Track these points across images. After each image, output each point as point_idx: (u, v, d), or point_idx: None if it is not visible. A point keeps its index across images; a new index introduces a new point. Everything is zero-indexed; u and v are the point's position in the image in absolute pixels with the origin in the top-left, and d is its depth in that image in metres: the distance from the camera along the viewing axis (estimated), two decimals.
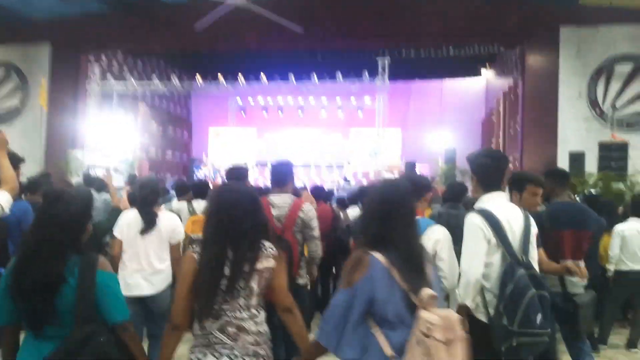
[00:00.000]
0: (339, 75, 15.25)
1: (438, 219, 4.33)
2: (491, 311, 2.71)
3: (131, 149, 16.52)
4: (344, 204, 7.67)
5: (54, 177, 7.47)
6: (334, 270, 7.10)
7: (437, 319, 1.92)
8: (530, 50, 12.78)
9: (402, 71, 16.92)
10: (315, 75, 15.57)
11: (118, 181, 9.99)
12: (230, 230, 2.22)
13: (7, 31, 14.38)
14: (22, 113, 14.80)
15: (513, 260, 2.66)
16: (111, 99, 16.13)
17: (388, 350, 1.98)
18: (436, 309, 1.99)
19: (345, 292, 2.05)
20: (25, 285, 2.00)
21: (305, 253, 4.06)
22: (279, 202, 3.88)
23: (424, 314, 1.95)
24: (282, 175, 4.02)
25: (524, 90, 12.73)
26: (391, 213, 2.11)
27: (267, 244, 2.32)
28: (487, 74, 18.73)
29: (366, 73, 15.08)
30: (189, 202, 5.52)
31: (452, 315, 2.02)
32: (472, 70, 18.04)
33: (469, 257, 2.73)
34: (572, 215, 3.64)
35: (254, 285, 2.24)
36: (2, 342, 2.17)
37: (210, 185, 6.42)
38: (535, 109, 12.35)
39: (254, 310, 2.26)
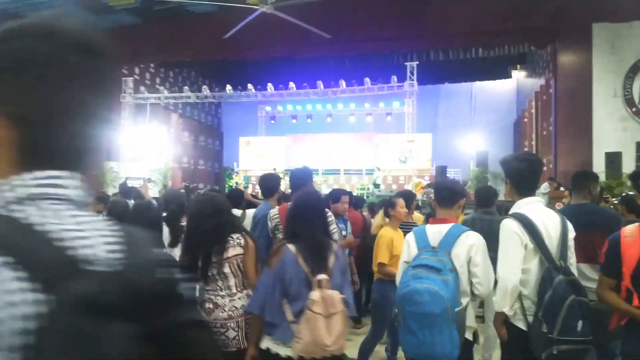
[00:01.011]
0: (368, 80, 15.24)
1: (471, 224, 4.27)
2: (530, 318, 2.65)
3: (164, 159, 16.84)
4: (374, 210, 7.63)
5: (90, 189, 7.66)
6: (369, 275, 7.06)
7: (317, 295, 2.52)
8: (562, 48, 12.53)
9: (431, 74, 16.83)
10: (343, 82, 15.59)
11: (153, 192, 10.18)
12: (198, 230, 2.85)
13: None
14: None
15: (551, 266, 2.60)
16: (144, 110, 16.50)
17: (290, 317, 2.59)
18: (327, 289, 2.55)
19: (268, 273, 2.67)
20: None
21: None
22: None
23: (312, 292, 2.54)
24: (299, 181, 4.05)
25: (557, 90, 12.48)
26: (300, 215, 2.76)
27: (236, 235, 2.89)
28: (518, 75, 18.45)
29: (395, 78, 15.02)
30: None
31: (336, 295, 2.56)
32: (502, 71, 17.81)
33: (506, 263, 2.68)
34: (580, 216, 3.48)
35: (227, 270, 2.85)
36: None
37: (244, 194, 6.49)
38: (569, 109, 12.08)
39: (233, 290, 2.87)
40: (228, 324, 2.80)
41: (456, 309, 2.64)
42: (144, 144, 15.99)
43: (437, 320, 2.58)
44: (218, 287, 2.84)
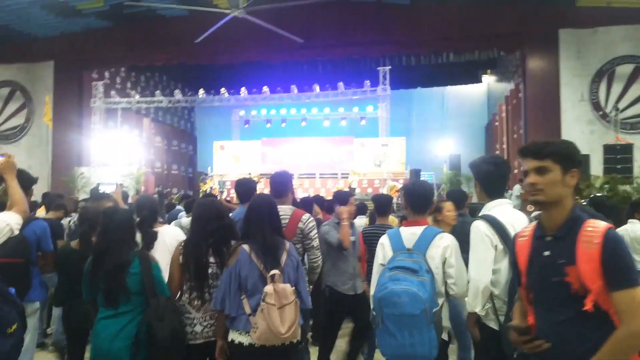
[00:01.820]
0: (341, 85, 15.31)
1: None
2: (501, 318, 2.70)
3: (137, 164, 16.60)
4: (356, 213, 7.65)
5: (62, 195, 7.52)
6: None
7: (270, 289, 2.81)
8: (530, 54, 12.82)
9: (404, 79, 17.00)
10: (317, 86, 15.63)
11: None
12: (201, 232, 3.15)
13: (11, 51, 14.58)
14: (28, 131, 14.97)
15: None
16: (115, 115, 16.25)
17: (248, 310, 2.86)
18: (279, 283, 2.84)
19: (227, 271, 2.94)
20: (105, 268, 2.89)
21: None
22: (279, 213, 3.89)
23: (266, 286, 2.84)
24: (281, 186, 4.01)
25: (526, 94, 12.75)
26: (251, 218, 3.07)
27: (234, 242, 3.13)
28: (488, 79, 18.78)
29: (368, 82, 15.13)
30: None
31: (288, 287, 2.86)
32: (473, 76, 18.09)
33: (477, 264, 2.73)
34: None
35: (218, 271, 3.10)
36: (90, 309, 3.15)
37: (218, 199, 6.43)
38: (538, 112, 12.36)
39: None
40: (216, 315, 3.06)
41: (434, 310, 2.68)
42: (116, 149, 15.74)
43: (416, 321, 2.61)
44: (211, 285, 3.11)
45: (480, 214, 2.89)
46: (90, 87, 15.44)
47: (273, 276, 2.84)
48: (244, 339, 2.85)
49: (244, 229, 3.10)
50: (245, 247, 2.96)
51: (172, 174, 20.36)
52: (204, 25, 11.74)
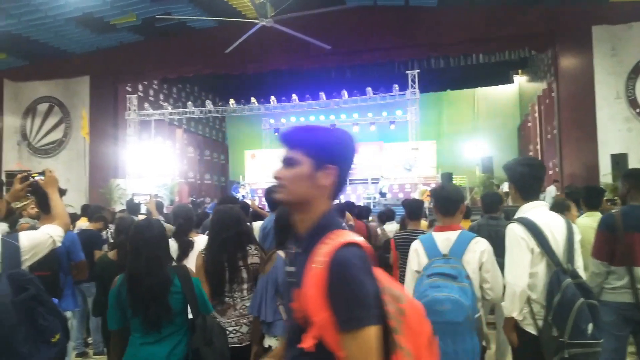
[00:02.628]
0: (369, 90, 15.30)
1: (478, 230, 4.27)
2: (539, 322, 2.64)
3: (171, 174, 16.92)
4: (382, 219, 7.63)
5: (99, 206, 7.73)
6: None
7: None
8: (562, 52, 12.56)
9: (433, 82, 16.87)
10: (345, 92, 15.66)
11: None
12: (219, 238, 3.15)
13: (50, 67, 15.10)
14: (66, 145, 15.43)
15: (558, 269, 2.60)
16: (149, 127, 16.61)
17: (285, 316, 2.85)
18: None
19: (263, 278, 2.98)
20: (142, 291, 2.59)
21: None
22: None
23: None
24: None
25: (559, 93, 12.48)
26: (282, 225, 3.10)
27: (253, 246, 3.24)
28: (520, 79, 18.48)
29: (396, 86, 15.07)
30: None
31: None
32: (504, 76, 17.83)
33: (513, 268, 2.68)
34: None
35: (245, 275, 3.17)
36: (113, 343, 2.72)
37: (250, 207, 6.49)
38: (572, 111, 12.08)
39: (245, 293, 3.18)
40: (241, 321, 3.12)
41: (476, 316, 2.64)
42: (150, 160, 16.07)
43: (459, 329, 2.57)
44: (232, 290, 3.14)
45: (515, 217, 2.85)
46: (124, 100, 15.84)
47: None
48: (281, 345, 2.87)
49: (277, 236, 3.16)
50: (281, 253, 3.01)
51: (205, 184, 20.67)
52: (233, 36, 11.91)
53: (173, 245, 4.22)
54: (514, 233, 2.72)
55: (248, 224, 5.68)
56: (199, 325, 2.69)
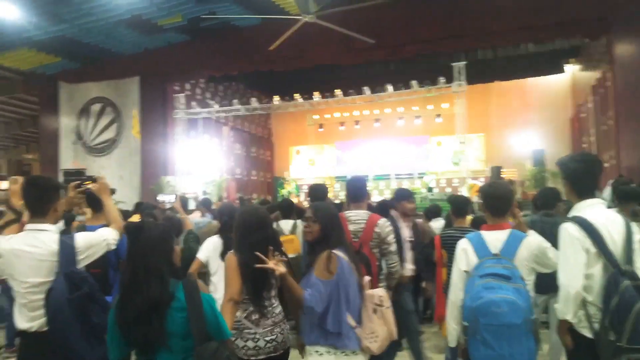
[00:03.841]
0: (414, 83, 15.07)
1: (531, 227, 4.14)
2: (596, 326, 2.54)
3: (218, 171, 17.24)
4: (428, 216, 7.51)
5: (150, 203, 7.96)
6: (423, 284, 6.96)
7: (384, 292, 2.84)
8: (618, 39, 11.95)
9: (480, 73, 16.44)
10: (390, 86, 15.49)
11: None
12: (245, 242, 2.93)
13: (101, 69, 15.64)
14: (119, 144, 15.96)
15: (616, 271, 2.49)
16: (197, 125, 16.97)
17: (352, 322, 2.70)
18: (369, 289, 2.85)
19: (330, 281, 2.69)
20: (132, 312, 2.13)
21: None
22: (355, 218, 3.88)
23: (373, 291, 2.83)
24: (357, 191, 4.03)
25: (615, 82, 11.91)
26: (335, 225, 2.95)
27: (278, 251, 2.98)
28: (572, 69, 17.76)
29: (442, 79, 14.78)
30: (277, 222, 5.63)
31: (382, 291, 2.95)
32: (555, 65, 17.17)
33: (567, 269, 2.58)
34: None
35: (273, 282, 3.01)
36: None
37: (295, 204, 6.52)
38: (630, 101, 11.49)
39: (273, 300, 3.04)
40: (276, 330, 3.00)
41: (532, 318, 2.58)
42: (198, 157, 16.43)
43: (516, 331, 2.51)
44: (263, 297, 3.00)
45: (569, 215, 2.74)
46: (172, 99, 16.22)
47: (369, 281, 2.87)
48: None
49: (324, 237, 2.90)
50: (341, 254, 2.80)
51: (252, 180, 20.96)
52: (276, 33, 11.99)
53: (218, 242, 4.32)
54: (568, 233, 2.62)
55: (292, 221, 5.75)
56: (197, 354, 2.13)
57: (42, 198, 2.77)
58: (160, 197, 5.04)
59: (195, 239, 5.16)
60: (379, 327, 2.67)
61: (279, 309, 3.09)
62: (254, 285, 2.90)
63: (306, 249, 4.41)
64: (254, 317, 2.95)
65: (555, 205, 4.69)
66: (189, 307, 2.17)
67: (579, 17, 12.19)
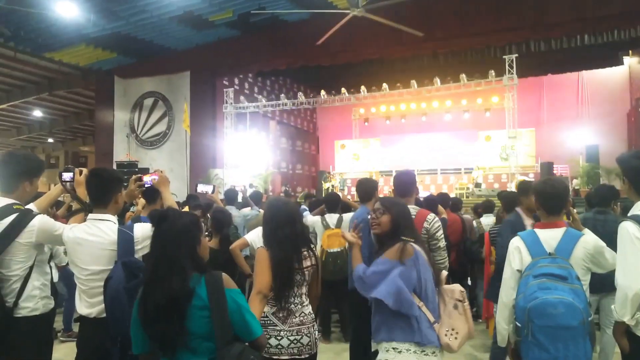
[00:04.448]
0: (463, 77, 14.79)
1: (584, 225, 4.02)
2: None
3: (265, 164, 17.48)
4: (477, 212, 7.39)
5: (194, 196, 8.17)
6: (469, 281, 6.88)
7: (461, 288, 2.61)
8: None
9: (532, 66, 15.97)
10: (437, 79, 15.26)
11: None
12: (278, 235, 2.78)
13: (154, 64, 16.11)
14: (170, 137, 16.41)
15: None
16: (245, 119, 17.24)
17: (432, 318, 2.54)
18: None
19: (403, 269, 2.50)
20: (152, 306, 1.98)
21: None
22: None
23: (453, 286, 2.62)
24: (405, 185, 3.97)
25: None
26: (407, 216, 2.78)
27: (306, 248, 2.87)
28: (630, 61, 16.99)
29: (492, 72, 14.44)
30: (322, 215, 5.66)
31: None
32: (612, 57, 16.46)
33: (626, 269, 2.49)
34: None
35: (299, 278, 2.81)
36: None
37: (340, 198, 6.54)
38: None
39: (303, 298, 2.85)
40: (302, 331, 2.80)
41: (589, 319, 2.52)
42: (245, 151, 16.69)
43: (573, 333, 2.45)
44: (292, 294, 2.81)
45: (629, 214, 2.65)
46: (222, 94, 16.53)
47: (445, 277, 2.72)
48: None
49: (394, 229, 2.71)
50: (417, 247, 2.62)
51: (297, 174, 21.15)
52: (324, 27, 12.01)
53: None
54: (628, 232, 2.52)
55: (307, 218, 5.77)
56: (220, 357, 1.95)
57: (104, 189, 2.87)
58: (199, 188, 5.11)
59: (235, 232, 5.33)
60: (460, 324, 2.52)
61: (309, 310, 2.89)
62: (280, 281, 2.74)
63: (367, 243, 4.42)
64: (282, 314, 2.78)
65: (611, 204, 4.53)
66: (211, 306, 1.98)
67: (637, 7, 11.64)
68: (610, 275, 2.84)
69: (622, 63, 17.04)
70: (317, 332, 2.91)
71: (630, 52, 16.36)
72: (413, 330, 2.47)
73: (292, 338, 2.75)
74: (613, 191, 4.75)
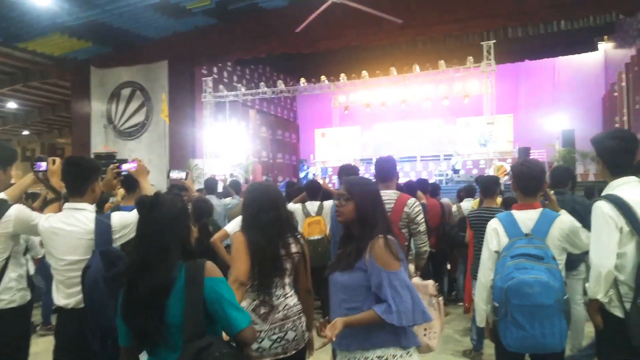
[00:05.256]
0: (442, 63, 14.85)
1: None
2: (627, 305, 2.52)
3: (245, 154, 17.39)
4: (459, 196, 7.48)
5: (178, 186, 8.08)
6: (448, 265, 6.98)
7: (434, 282, 2.53)
8: None
9: (509, 52, 16.13)
10: (417, 66, 15.30)
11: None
12: (253, 222, 2.60)
13: (131, 54, 15.84)
14: (148, 127, 16.20)
15: None
16: (224, 108, 17.10)
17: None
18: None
19: (402, 271, 2.19)
20: (134, 298, 1.86)
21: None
22: (384, 198, 3.85)
23: (424, 283, 2.51)
24: (386, 171, 4.01)
25: None
26: (376, 204, 2.37)
27: (291, 234, 2.67)
28: (605, 46, 17.23)
29: (471, 58, 14.53)
30: (303, 203, 5.68)
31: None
32: (587, 43, 16.68)
33: (599, 247, 2.55)
34: None
35: (288, 266, 2.63)
36: None
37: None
38: None
39: (287, 289, 2.63)
40: (287, 325, 2.57)
41: (564, 298, 2.58)
42: (225, 140, 16.59)
43: (548, 312, 2.51)
44: (275, 284, 2.58)
45: (603, 194, 2.70)
46: (200, 83, 16.35)
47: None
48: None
49: (361, 218, 2.34)
50: (392, 239, 2.28)
51: (277, 163, 21.09)
52: (303, 14, 11.93)
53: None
54: (602, 211, 2.58)
55: (288, 206, 5.77)
56: (184, 353, 1.78)
57: (81, 178, 2.83)
58: (172, 174, 5.05)
59: (216, 223, 5.32)
60: (436, 321, 2.37)
61: (294, 301, 2.64)
62: (264, 268, 2.51)
63: (335, 230, 4.42)
64: (262, 310, 2.52)
65: (568, 184, 4.68)
66: (186, 296, 1.82)
67: None
68: (571, 255, 2.91)
69: (597, 49, 17.28)
70: (303, 323, 2.67)
71: (605, 37, 16.58)
72: (398, 334, 2.18)
73: (274, 337, 2.52)
74: (568, 172, 4.89)
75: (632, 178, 2.69)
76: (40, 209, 3.76)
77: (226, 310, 1.89)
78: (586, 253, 2.79)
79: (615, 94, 15.52)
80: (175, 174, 5.04)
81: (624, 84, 14.34)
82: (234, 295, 1.99)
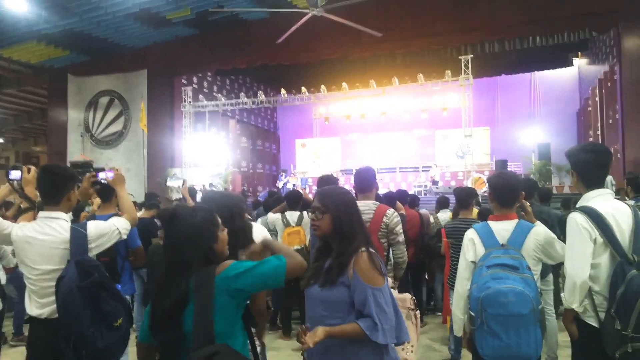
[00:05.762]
0: (421, 76, 15.04)
1: None
2: (602, 315, 2.56)
3: (224, 164, 17.30)
4: (438, 207, 7.53)
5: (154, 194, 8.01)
6: (426, 276, 7.01)
7: (411, 296, 2.50)
8: (626, 32, 11.91)
9: (487, 67, 16.42)
10: (396, 79, 15.46)
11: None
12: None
13: (110, 62, 15.71)
14: (126, 136, 16.03)
15: (623, 260, 2.50)
16: (204, 118, 17.02)
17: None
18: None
19: (386, 286, 2.11)
20: (160, 311, 1.85)
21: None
22: (363, 208, 3.86)
23: (402, 296, 2.47)
24: (365, 181, 4.01)
25: (622, 75, 11.88)
26: (359, 221, 2.28)
27: (245, 246, 2.47)
28: (580, 62, 17.68)
29: (449, 72, 14.75)
30: (283, 213, 5.67)
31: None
32: (562, 59, 17.10)
33: (574, 258, 2.59)
34: None
35: None
36: (138, 356, 2.10)
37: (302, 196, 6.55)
38: (636, 95, 11.46)
39: None
40: None
41: (539, 307, 2.60)
42: (205, 150, 16.49)
43: (523, 321, 2.53)
44: None
45: (577, 205, 2.75)
46: (180, 93, 16.27)
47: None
48: None
49: (337, 231, 2.23)
50: (373, 251, 2.18)
51: (257, 173, 21.03)
52: (284, 27, 11.98)
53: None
54: (576, 222, 2.63)
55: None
56: None
57: (56, 186, 2.78)
58: (169, 183, 5.03)
59: None
60: (412, 334, 2.29)
61: None
62: None
63: (314, 241, 4.42)
64: None
65: (533, 196, 4.81)
66: (194, 302, 1.78)
67: (587, 11, 12.15)
68: (544, 265, 2.95)
69: (572, 64, 17.71)
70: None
71: (579, 53, 17.00)
72: (381, 352, 2.09)
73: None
74: (532, 183, 5.03)
75: (606, 190, 2.75)
76: (14, 218, 3.69)
77: (257, 274, 1.85)
78: (556, 264, 2.82)
79: (590, 108, 15.90)
80: (172, 182, 5.01)
81: (597, 99, 14.71)
82: (249, 262, 1.92)
